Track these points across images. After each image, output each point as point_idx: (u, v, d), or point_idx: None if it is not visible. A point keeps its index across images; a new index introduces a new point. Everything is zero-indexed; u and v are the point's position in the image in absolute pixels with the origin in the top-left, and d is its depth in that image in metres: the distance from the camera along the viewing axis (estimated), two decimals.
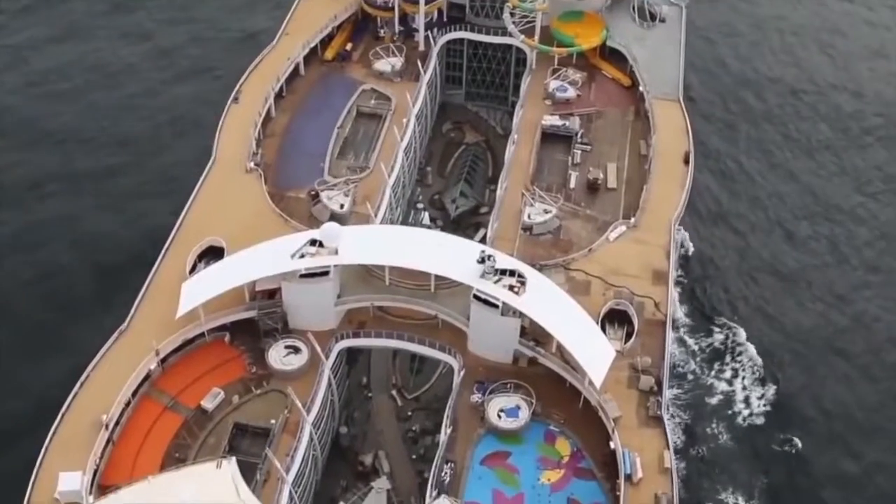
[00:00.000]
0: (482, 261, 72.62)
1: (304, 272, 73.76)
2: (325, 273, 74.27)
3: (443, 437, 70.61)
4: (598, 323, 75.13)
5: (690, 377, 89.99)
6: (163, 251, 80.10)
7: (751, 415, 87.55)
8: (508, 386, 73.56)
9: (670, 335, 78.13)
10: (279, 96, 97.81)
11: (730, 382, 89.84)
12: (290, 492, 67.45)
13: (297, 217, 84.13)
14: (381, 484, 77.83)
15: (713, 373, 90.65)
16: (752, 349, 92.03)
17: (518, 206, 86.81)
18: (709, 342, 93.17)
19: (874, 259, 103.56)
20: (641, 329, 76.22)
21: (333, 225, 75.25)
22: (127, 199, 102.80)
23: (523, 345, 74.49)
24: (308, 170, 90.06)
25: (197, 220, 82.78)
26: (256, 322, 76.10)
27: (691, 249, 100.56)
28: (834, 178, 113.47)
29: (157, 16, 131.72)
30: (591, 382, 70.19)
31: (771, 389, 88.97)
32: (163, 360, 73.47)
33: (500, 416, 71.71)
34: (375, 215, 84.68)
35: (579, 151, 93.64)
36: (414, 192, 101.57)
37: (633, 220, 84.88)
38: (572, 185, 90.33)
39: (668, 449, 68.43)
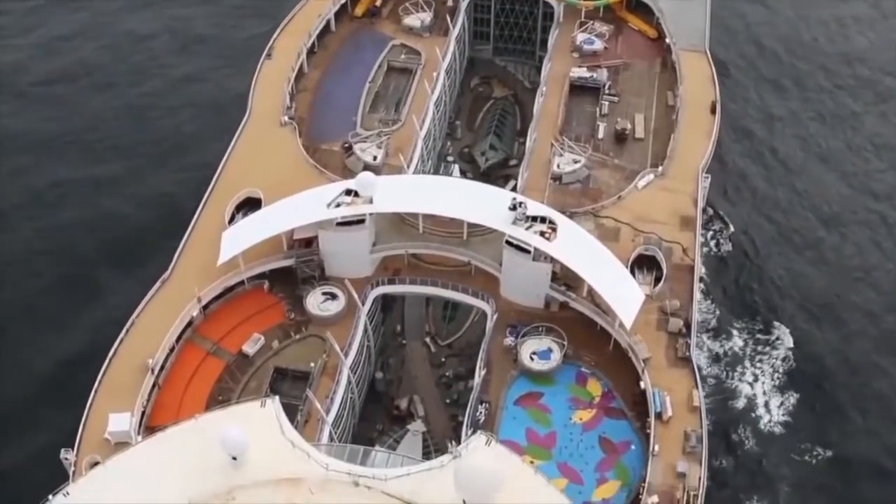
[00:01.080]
0: (514, 208, 74.32)
1: (340, 221, 75.67)
2: (361, 221, 76.16)
3: (477, 378, 72.71)
4: (627, 268, 76.67)
5: (712, 381, 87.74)
6: (202, 202, 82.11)
7: (781, 422, 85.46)
8: (540, 329, 75.38)
9: (698, 279, 79.59)
10: (311, 52, 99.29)
11: (753, 386, 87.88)
12: (330, 432, 69.71)
13: (332, 169, 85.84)
14: (417, 427, 79.90)
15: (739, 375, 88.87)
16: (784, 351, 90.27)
17: (547, 156, 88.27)
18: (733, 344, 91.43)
19: None
20: (670, 274, 77.76)
21: (369, 174, 77.08)
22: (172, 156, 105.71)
23: (554, 289, 76.17)
24: (341, 123, 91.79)
25: (234, 173, 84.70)
26: (294, 270, 78.11)
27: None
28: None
29: None
30: (621, 325, 72.00)
31: (794, 397, 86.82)
32: (204, 308, 75.67)
33: (532, 359, 73.63)
34: (408, 167, 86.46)
35: (607, 103, 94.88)
36: (444, 146, 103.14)
37: (660, 168, 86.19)
38: (600, 135, 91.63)
39: (697, 388, 70.20)
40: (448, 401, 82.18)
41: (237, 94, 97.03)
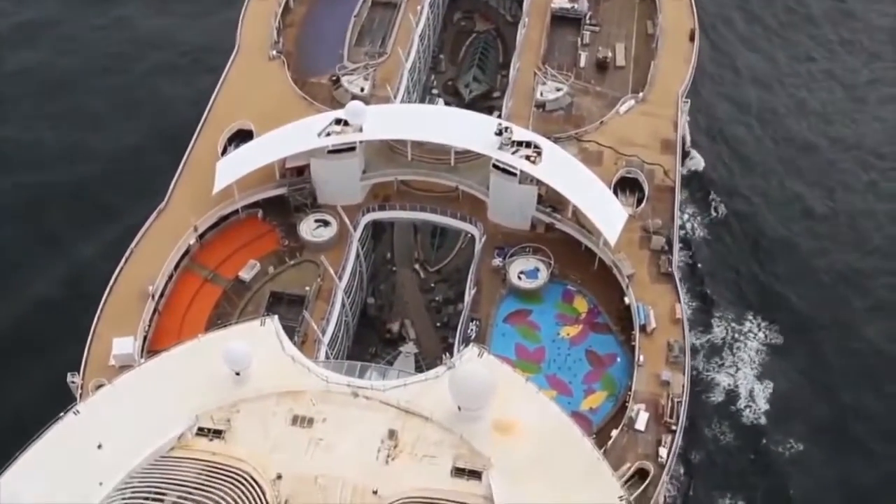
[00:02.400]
0: (499, 133, 76.38)
1: (331, 148, 77.65)
2: (352, 149, 78.15)
3: (467, 297, 75.22)
4: (610, 190, 79.02)
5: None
6: (195, 134, 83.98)
7: (755, 413, 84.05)
8: (527, 250, 77.82)
9: (679, 198, 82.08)
10: None
11: (733, 377, 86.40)
12: (326, 352, 72.13)
13: (320, 101, 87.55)
14: (409, 349, 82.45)
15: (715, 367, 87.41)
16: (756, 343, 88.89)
17: (531, 84, 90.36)
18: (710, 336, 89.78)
19: None
20: (652, 194, 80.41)
21: (358, 103, 79.12)
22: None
23: (540, 211, 78.51)
24: (328, 57, 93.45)
25: (225, 106, 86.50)
26: (287, 198, 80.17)
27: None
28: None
29: None
30: (605, 243, 74.50)
31: (770, 386, 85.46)
32: (201, 236, 77.79)
33: (520, 278, 76.11)
34: (394, 97, 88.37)
35: (588, 32, 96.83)
36: (428, 79, 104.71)
37: (641, 94, 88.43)
38: (582, 64, 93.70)
39: (679, 302, 72.87)
40: (438, 324, 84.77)
41: (226, 30, 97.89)
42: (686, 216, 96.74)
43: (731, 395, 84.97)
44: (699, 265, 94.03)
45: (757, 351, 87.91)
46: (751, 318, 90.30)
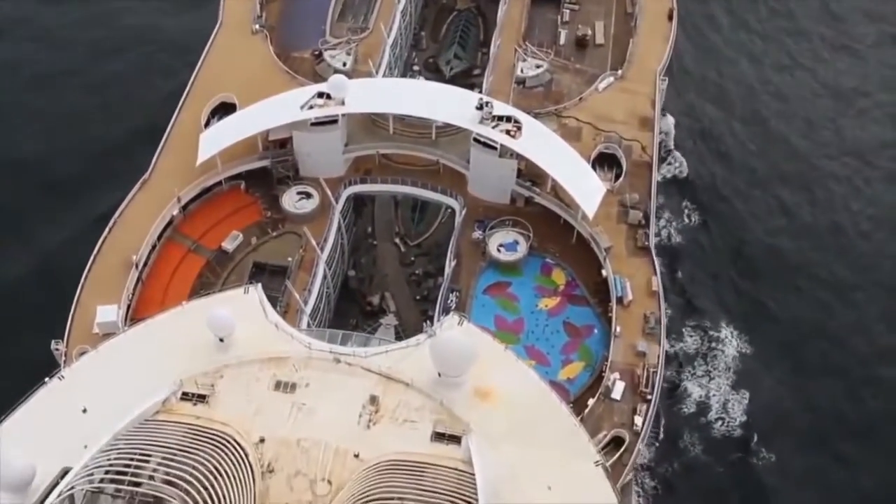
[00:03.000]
0: (480, 107, 77.49)
1: (314, 121, 78.51)
2: (334, 121, 79.00)
3: (448, 269, 76.38)
4: (589, 165, 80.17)
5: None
6: (178, 106, 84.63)
7: (729, 424, 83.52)
8: (507, 223, 79.08)
9: (656, 175, 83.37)
10: None
11: (705, 387, 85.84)
12: (308, 322, 73.13)
13: (302, 75, 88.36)
14: (389, 321, 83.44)
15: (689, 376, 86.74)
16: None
17: (511, 61, 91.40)
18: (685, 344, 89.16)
19: None
20: (629, 170, 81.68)
21: (341, 77, 79.91)
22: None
23: (520, 185, 79.71)
24: (310, 31, 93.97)
25: (208, 79, 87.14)
26: (270, 170, 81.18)
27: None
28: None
29: None
30: (584, 216, 75.77)
31: (746, 395, 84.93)
32: (184, 207, 78.59)
33: (499, 251, 77.34)
34: (376, 73, 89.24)
35: (568, 11, 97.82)
36: (410, 56, 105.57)
37: (620, 71, 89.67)
38: (562, 41, 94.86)
39: (656, 275, 74.24)
40: (418, 297, 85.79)
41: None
42: (663, 221, 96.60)
43: (704, 406, 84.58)
44: (679, 273, 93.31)
45: (733, 358, 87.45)
46: (726, 325, 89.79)
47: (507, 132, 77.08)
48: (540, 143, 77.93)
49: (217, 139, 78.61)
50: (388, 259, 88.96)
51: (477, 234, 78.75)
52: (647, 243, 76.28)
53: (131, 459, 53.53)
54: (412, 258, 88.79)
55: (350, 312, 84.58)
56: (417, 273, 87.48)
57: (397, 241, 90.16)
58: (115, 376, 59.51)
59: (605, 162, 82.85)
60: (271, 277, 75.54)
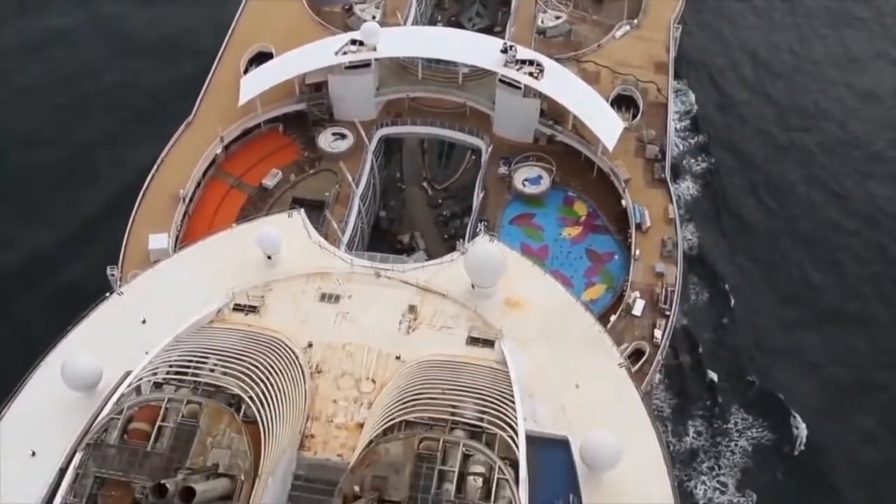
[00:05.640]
0: (505, 51, 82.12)
1: (348, 65, 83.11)
2: (367, 65, 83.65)
3: (476, 202, 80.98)
4: None
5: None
6: (219, 54, 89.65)
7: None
8: (531, 159, 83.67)
9: (672, 113, 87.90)
10: None
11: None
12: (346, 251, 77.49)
13: (335, 28, 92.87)
14: (419, 257, 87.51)
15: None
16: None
17: (532, 13, 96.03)
18: None
19: None
20: (646, 110, 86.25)
21: (373, 24, 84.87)
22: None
23: (543, 124, 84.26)
24: None
25: (246, 30, 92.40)
26: (306, 114, 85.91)
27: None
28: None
29: None
30: (604, 150, 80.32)
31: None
32: (226, 147, 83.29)
33: (524, 185, 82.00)
34: (404, 25, 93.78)
35: None
36: (433, 15, 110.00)
37: (636, 20, 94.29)
38: None
39: (672, 203, 78.86)
40: (446, 236, 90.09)
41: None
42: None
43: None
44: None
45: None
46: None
47: (531, 74, 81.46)
48: (562, 84, 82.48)
49: (258, 82, 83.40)
50: (417, 201, 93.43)
51: (503, 169, 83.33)
52: (663, 175, 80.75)
53: (192, 358, 57.63)
54: (439, 200, 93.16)
55: (382, 250, 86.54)
56: (445, 214, 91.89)
57: (425, 184, 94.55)
58: (171, 292, 63.83)
59: (622, 103, 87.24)
60: (310, 211, 78.88)
